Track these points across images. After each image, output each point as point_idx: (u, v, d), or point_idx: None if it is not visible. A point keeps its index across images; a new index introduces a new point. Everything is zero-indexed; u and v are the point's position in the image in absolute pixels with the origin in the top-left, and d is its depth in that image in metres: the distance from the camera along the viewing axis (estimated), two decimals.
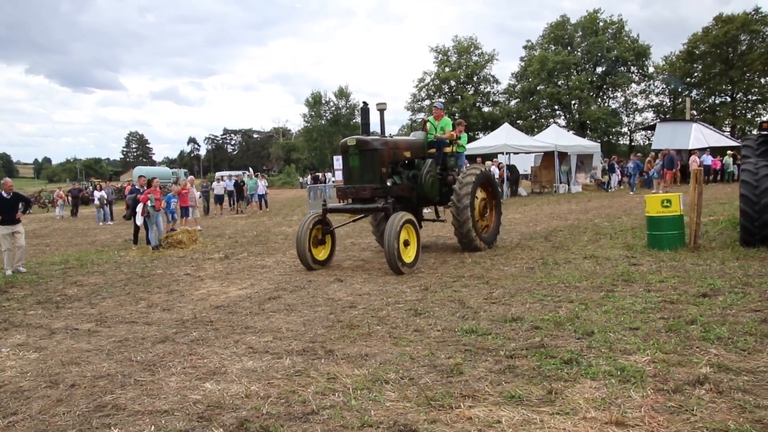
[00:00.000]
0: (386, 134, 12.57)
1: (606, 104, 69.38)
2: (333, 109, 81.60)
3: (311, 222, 11.72)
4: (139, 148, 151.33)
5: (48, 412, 5.08)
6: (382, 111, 12.26)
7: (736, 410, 4.36)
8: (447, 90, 71.06)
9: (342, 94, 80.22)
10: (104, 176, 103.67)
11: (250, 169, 53.57)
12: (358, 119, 62.27)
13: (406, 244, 10.72)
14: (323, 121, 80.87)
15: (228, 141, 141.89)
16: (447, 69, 69.62)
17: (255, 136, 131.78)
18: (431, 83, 71.20)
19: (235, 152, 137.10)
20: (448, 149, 13.36)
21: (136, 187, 19.04)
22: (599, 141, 57.50)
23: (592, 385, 4.97)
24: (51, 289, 11.02)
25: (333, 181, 32.41)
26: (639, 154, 34.22)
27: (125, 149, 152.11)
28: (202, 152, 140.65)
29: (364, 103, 11.72)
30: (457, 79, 69.31)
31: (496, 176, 27.45)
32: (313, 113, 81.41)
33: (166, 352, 6.65)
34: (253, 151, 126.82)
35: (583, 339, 6.22)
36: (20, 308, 9.50)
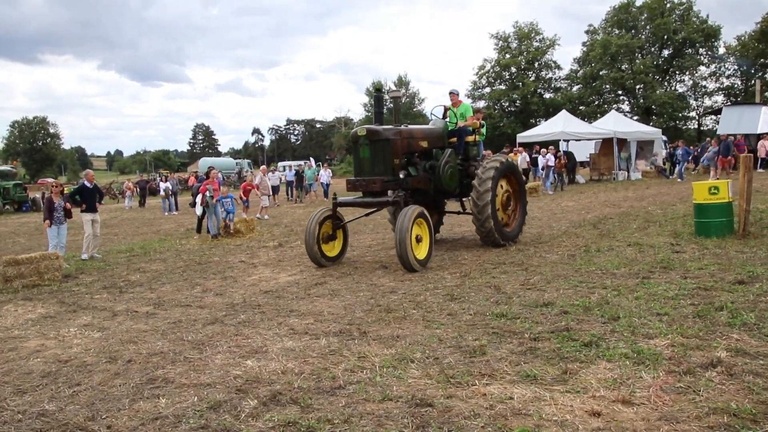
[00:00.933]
0: (400, 123, 11.85)
1: (672, 88, 67.38)
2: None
3: (321, 217, 11.21)
4: (205, 140, 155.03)
5: (106, 384, 5.63)
6: (396, 99, 12.09)
7: (743, 392, 4.50)
8: (507, 77, 70.28)
9: (401, 83, 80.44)
10: (172, 167, 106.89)
11: (311, 159, 54.42)
12: (418, 107, 62.14)
13: (419, 239, 10.22)
14: (384, 111, 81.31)
15: (291, 131, 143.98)
16: (507, 55, 68.89)
17: (317, 125, 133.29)
18: (491, 70, 70.57)
19: (298, 142, 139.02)
20: (470, 138, 12.67)
21: (202, 177, 19.90)
22: (665, 126, 56.02)
23: (606, 366, 5.18)
24: (116, 275, 11.78)
25: None
26: (682, 141, 32.84)
27: (192, 141, 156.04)
28: (266, 142, 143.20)
29: (377, 90, 11.58)
30: (518, 65, 68.47)
31: (552, 164, 27.25)
32: (373, 102, 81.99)
33: (214, 333, 7.17)
34: (315, 140, 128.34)
35: (608, 323, 6.39)
36: (87, 293, 10.25)
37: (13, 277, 10.99)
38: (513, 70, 69.32)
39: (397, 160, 11.00)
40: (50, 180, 13.26)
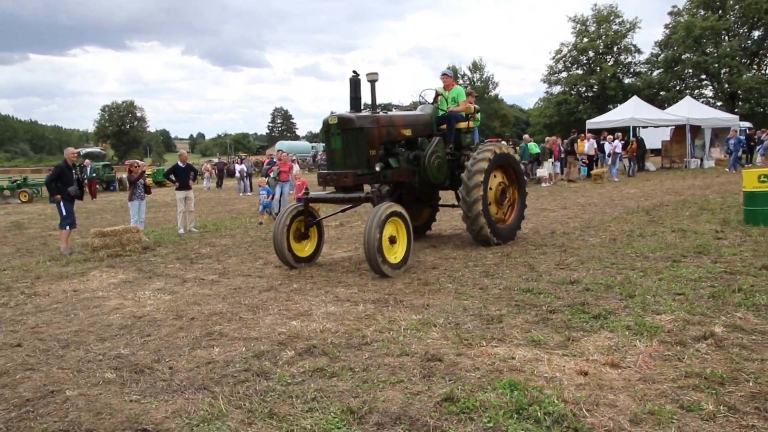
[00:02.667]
0: (378, 109, 10.67)
1: (762, 72, 64.50)
2: (467, 82, 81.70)
3: (290, 214, 10.15)
4: (283, 123, 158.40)
5: (171, 336, 6.58)
6: (373, 82, 10.19)
7: (724, 362, 4.97)
8: (585, 61, 68.93)
9: (476, 67, 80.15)
10: (251, 150, 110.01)
11: None
12: (493, 92, 61.10)
13: (392, 240, 9.14)
14: None
15: None
16: (585, 39, 67.53)
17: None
18: (568, 54, 69.37)
19: None
20: (462, 124, 11.51)
21: (274, 160, 21.06)
22: (751, 113, 53.80)
23: (607, 336, 5.72)
24: (188, 248, 12.91)
25: None
26: (735, 131, 31.28)
27: (271, 124, 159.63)
28: None
29: (354, 72, 10.09)
30: (596, 49, 67.01)
31: (620, 151, 27.06)
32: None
33: (268, 298, 8.04)
34: None
35: (624, 300, 6.88)
36: (162, 262, 11.37)
37: (99, 248, 12.28)
38: (591, 54, 67.93)
39: (373, 151, 9.96)
40: (138, 162, 14.52)
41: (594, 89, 67.34)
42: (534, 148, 25.44)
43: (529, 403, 4.29)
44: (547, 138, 26.08)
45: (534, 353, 5.37)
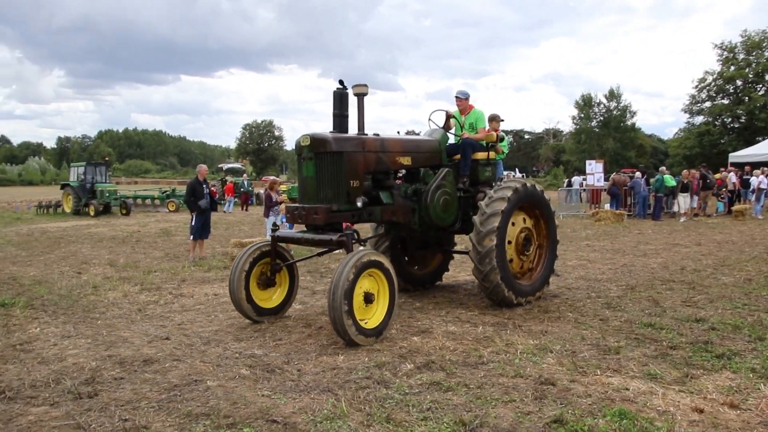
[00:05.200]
0: (365, 131, 8.40)
1: None
2: (604, 111, 79.52)
3: (251, 255, 8.08)
4: None
5: (300, 341, 7.15)
6: (360, 96, 8.26)
7: None
8: (732, 90, 65.25)
9: (612, 95, 77.82)
10: None
11: (516, 169, 54.92)
12: (629, 121, 58.40)
13: (369, 299, 7.10)
14: (593, 123, 79.23)
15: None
16: (732, 67, 63.97)
17: (526, 136, 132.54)
18: (713, 83, 65.93)
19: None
20: (481, 155, 9.55)
21: None
22: None
23: (729, 376, 5.65)
24: (319, 263, 13.61)
25: (582, 185, 32.65)
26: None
27: None
28: None
29: (341, 82, 8.05)
30: (745, 78, 63.29)
31: (765, 186, 25.43)
32: (582, 115, 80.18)
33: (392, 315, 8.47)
34: (523, 151, 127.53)
35: (752, 342, 6.70)
36: None
37: None
38: (738, 83, 64.23)
39: (355, 181, 7.87)
40: (272, 178, 15.60)
41: (741, 120, 63.48)
42: (670, 180, 24.51)
43: None
44: (684, 171, 24.99)
45: (649, 386, 5.41)
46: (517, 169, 55.95)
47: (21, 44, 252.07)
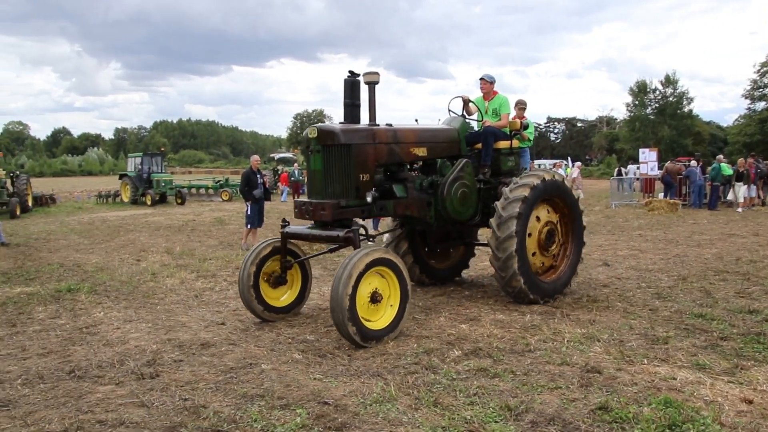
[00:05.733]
0: (377, 120, 8.04)
1: None
2: (659, 97, 77.53)
3: (258, 254, 7.80)
4: None
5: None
6: (372, 84, 7.90)
7: None
8: None
9: (669, 81, 75.77)
10: None
11: (568, 158, 54.18)
12: (686, 108, 56.50)
13: (376, 299, 6.75)
14: (647, 111, 77.33)
15: (551, 129, 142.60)
16: None
17: (578, 124, 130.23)
18: None
19: (558, 140, 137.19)
20: (503, 144, 9.10)
21: None
22: None
23: None
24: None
25: (636, 174, 32.11)
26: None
27: None
28: None
29: (350, 72, 7.72)
30: None
31: None
32: (636, 102, 78.34)
33: (440, 302, 8.62)
34: (576, 139, 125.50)
35: None
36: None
37: None
38: None
39: (365, 175, 7.56)
40: None
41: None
42: (727, 169, 23.87)
43: (683, 420, 4.44)
44: (739, 159, 24.28)
45: (697, 376, 5.41)
46: (569, 158, 55.12)
47: (80, 38, 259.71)
